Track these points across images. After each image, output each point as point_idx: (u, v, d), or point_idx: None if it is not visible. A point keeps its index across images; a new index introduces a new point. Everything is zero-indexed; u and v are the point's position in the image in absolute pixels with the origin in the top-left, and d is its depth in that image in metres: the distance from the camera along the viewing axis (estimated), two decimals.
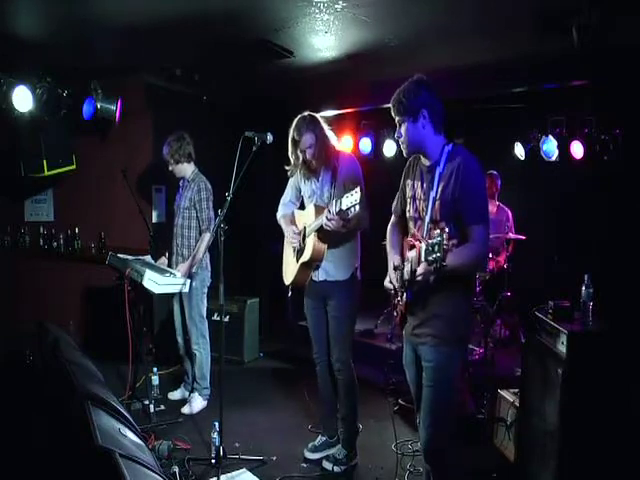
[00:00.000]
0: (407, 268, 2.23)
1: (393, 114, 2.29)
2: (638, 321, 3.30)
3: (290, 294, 3.38)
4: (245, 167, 3.03)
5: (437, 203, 2.21)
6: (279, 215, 3.36)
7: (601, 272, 3.25)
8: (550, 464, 2.65)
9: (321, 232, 2.94)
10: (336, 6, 3.28)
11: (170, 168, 3.99)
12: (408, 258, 2.24)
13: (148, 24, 3.58)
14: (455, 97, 4.94)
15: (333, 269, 3.10)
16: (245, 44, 4.03)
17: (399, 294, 2.36)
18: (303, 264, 3.10)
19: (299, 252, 3.15)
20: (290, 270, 3.24)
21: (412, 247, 2.24)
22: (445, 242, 1.88)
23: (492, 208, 4.42)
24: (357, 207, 2.63)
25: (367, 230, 3.09)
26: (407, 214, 2.43)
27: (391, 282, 2.38)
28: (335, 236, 2.97)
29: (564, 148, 4.96)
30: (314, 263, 3.08)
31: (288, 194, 3.36)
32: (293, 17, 3.48)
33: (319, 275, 3.13)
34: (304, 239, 3.12)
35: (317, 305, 3.22)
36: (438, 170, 2.23)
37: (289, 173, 3.27)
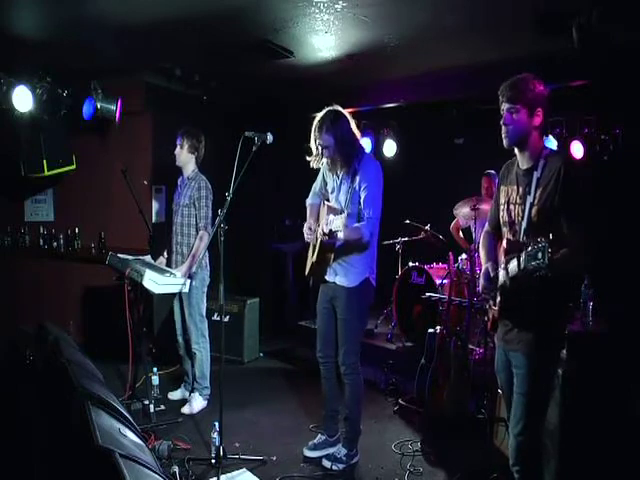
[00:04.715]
0: (502, 273, 2.17)
1: (505, 98, 2.17)
2: (638, 321, 3.31)
3: (312, 284, 3.37)
4: (245, 167, 3.03)
5: (534, 209, 2.15)
6: (307, 202, 3.36)
7: (601, 272, 3.25)
8: (550, 464, 2.65)
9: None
10: (336, 6, 3.28)
11: (176, 152, 3.96)
12: (502, 263, 2.19)
13: (148, 24, 3.58)
14: (455, 97, 4.95)
15: (342, 274, 3.10)
16: (245, 44, 4.03)
17: (491, 299, 2.32)
18: (313, 264, 3.12)
19: (313, 249, 3.16)
20: (309, 262, 3.25)
21: (507, 253, 2.18)
22: (549, 249, 1.83)
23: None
24: (339, 234, 2.69)
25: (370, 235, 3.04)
26: (501, 220, 2.36)
27: (483, 287, 2.35)
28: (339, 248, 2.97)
29: (564, 148, 4.95)
30: (320, 267, 3.09)
31: (318, 183, 3.35)
32: (293, 17, 3.48)
33: (330, 275, 3.14)
34: (317, 238, 3.11)
35: (326, 303, 3.22)
36: (535, 175, 2.16)
37: (311, 163, 3.23)
